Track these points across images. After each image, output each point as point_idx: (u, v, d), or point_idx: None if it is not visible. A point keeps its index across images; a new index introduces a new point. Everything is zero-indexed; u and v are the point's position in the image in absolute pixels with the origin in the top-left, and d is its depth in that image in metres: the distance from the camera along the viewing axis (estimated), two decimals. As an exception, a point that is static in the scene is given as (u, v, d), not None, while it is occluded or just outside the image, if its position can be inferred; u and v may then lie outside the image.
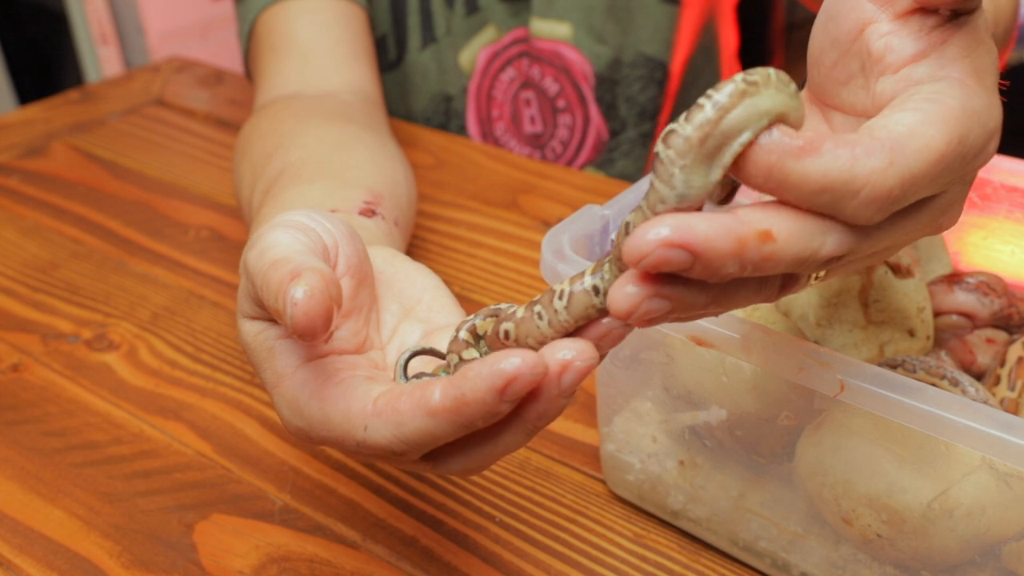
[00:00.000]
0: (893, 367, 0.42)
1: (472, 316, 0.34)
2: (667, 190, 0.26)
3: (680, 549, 0.46)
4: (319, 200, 0.50)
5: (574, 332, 0.31)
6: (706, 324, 0.37)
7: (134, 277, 0.68)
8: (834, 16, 0.31)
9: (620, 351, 0.44)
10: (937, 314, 0.49)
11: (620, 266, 0.29)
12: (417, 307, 0.39)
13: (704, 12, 0.85)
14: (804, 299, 0.45)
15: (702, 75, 0.88)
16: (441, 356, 0.36)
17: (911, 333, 0.46)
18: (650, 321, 0.27)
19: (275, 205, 0.50)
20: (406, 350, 0.36)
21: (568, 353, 0.29)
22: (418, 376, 0.34)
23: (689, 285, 0.26)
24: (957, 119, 0.27)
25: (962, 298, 0.48)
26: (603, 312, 0.30)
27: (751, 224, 0.25)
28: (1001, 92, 0.31)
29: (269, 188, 0.54)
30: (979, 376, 0.47)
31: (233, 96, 0.95)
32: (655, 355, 0.43)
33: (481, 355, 0.33)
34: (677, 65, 0.84)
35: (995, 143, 0.30)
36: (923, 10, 0.29)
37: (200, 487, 0.50)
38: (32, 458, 0.52)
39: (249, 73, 0.78)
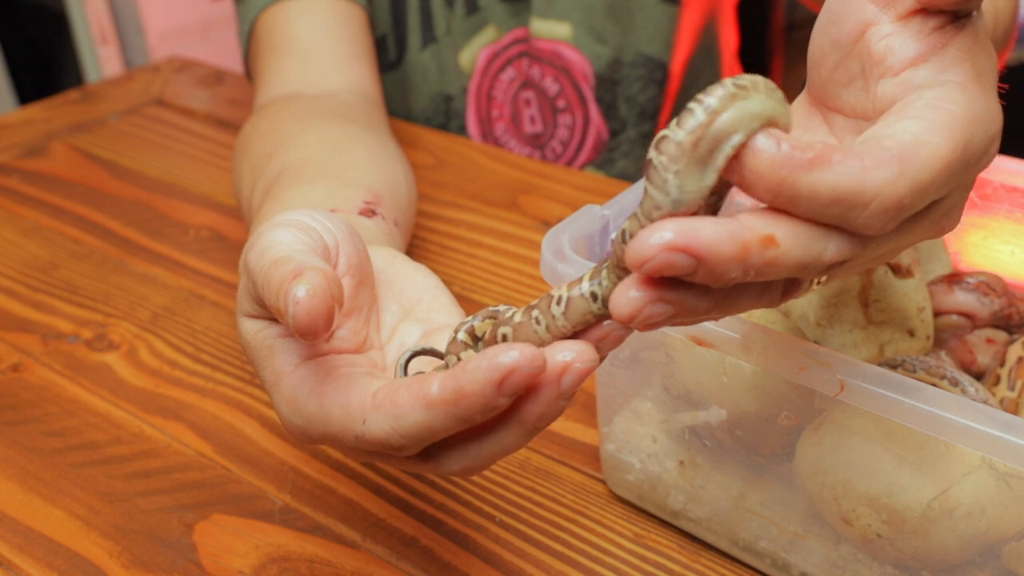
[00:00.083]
0: (893, 367, 0.42)
1: (470, 318, 0.34)
2: (662, 196, 0.26)
3: (680, 549, 0.46)
4: (319, 200, 0.50)
5: (572, 336, 0.31)
6: (706, 324, 0.37)
7: (134, 277, 0.68)
8: (835, 18, 0.31)
9: (620, 351, 0.44)
10: (937, 314, 0.49)
11: (619, 273, 0.29)
12: (417, 307, 0.39)
13: (705, 12, 0.85)
14: (804, 299, 0.46)
15: (702, 75, 0.88)
16: (442, 356, 0.36)
17: (911, 333, 0.46)
18: (652, 325, 0.27)
19: (275, 205, 0.50)
20: (407, 350, 0.36)
21: (568, 355, 0.29)
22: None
23: (692, 290, 0.26)
24: (961, 125, 0.27)
25: (962, 298, 0.48)
26: (601, 318, 0.30)
27: (754, 229, 0.25)
28: (1001, 95, 0.31)
29: (269, 188, 0.54)
30: (979, 376, 0.47)
31: (233, 96, 0.95)
32: (655, 355, 0.43)
33: None
34: (677, 65, 0.84)
35: (996, 147, 0.30)
36: (924, 12, 0.29)
37: (200, 487, 0.50)
38: (32, 458, 0.52)
39: (249, 73, 0.78)
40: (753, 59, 0.95)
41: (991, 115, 0.29)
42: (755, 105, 0.26)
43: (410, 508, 0.48)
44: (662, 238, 0.24)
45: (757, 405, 0.40)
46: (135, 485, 0.50)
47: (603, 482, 0.50)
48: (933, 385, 0.40)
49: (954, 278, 0.49)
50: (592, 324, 0.30)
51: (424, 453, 0.33)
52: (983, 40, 0.30)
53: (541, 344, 0.31)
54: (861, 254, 0.28)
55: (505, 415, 0.31)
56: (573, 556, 0.46)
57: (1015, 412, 0.44)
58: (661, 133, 0.26)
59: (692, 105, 0.25)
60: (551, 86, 0.85)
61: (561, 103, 0.85)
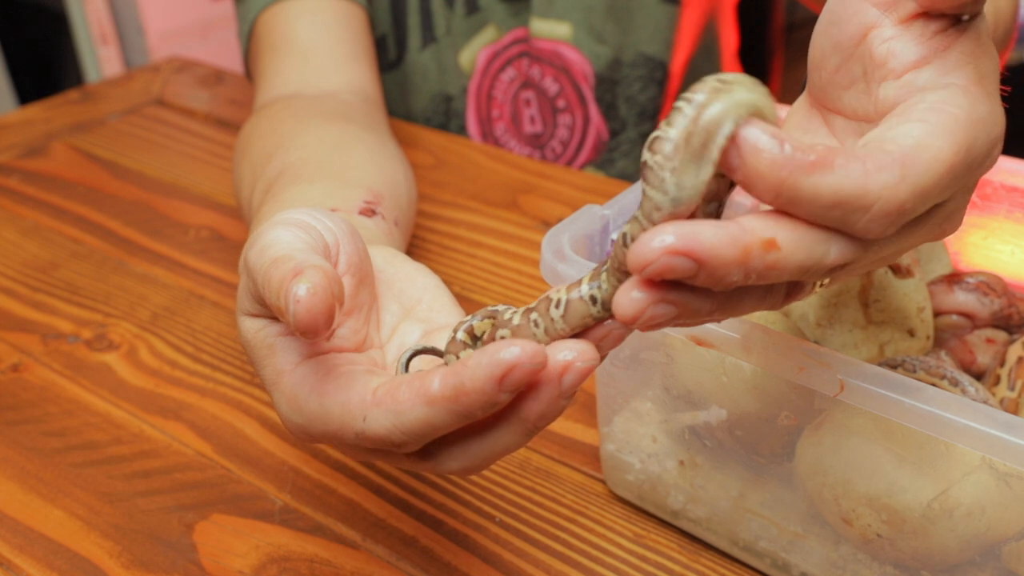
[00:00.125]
0: (893, 367, 0.42)
1: (469, 317, 0.34)
2: (660, 195, 0.26)
3: (680, 549, 0.46)
4: (319, 199, 0.50)
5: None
6: (707, 324, 0.37)
7: (134, 277, 0.68)
8: (836, 20, 0.31)
9: (620, 351, 0.44)
10: (937, 314, 0.49)
11: (619, 276, 0.29)
12: (417, 307, 0.39)
13: (705, 12, 0.85)
14: (804, 299, 0.45)
15: (702, 75, 0.88)
16: (442, 356, 0.36)
17: (911, 333, 0.46)
18: (655, 326, 0.27)
19: (275, 204, 0.50)
20: (408, 349, 0.36)
21: (569, 354, 0.29)
22: None
23: (694, 291, 0.26)
24: (963, 129, 0.27)
25: (962, 298, 0.48)
26: (599, 321, 0.30)
27: (755, 232, 0.25)
28: (1003, 97, 0.31)
29: (269, 187, 0.54)
30: (979, 376, 0.47)
31: (233, 96, 0.95)
32: (655, 355, 0.43)
33: None
34: (677, 65, 0.84)
35: (999, 150, 0.30)
36: (926, 15, 0.29)
37: (200, 487, 0.50)
38: (32, 458, 0.52)
39: (249, 73, 0.78)
40: (753, 59, 0.95)
41: (993, 118, 0.29)
42: (741, 96, 0.26)
43: (410, 508, 0.48)
44: (663, 241, 0.24)
45: (757, 405, 0.40)
46: (135, 485, 0.50)
47: (603, 482, 0.50)
48: (933, 385, 0.40)
49: (954, 278, 0.49)
50: (591, 326, 0.30)
51: (424, 451, 0.33)
52: (986, 43, 0.30)
53: None
54: (863, 257, 0.28)
55: (506, 414, 0.31)
56: (573, 556, 0.46)
57: (1015, 412, 0.44)
58: (653, 134, 0.26)
59: (679, 103, 0.26)
60: (551, 86, 0.85)
61: (561, 103, 0.85)
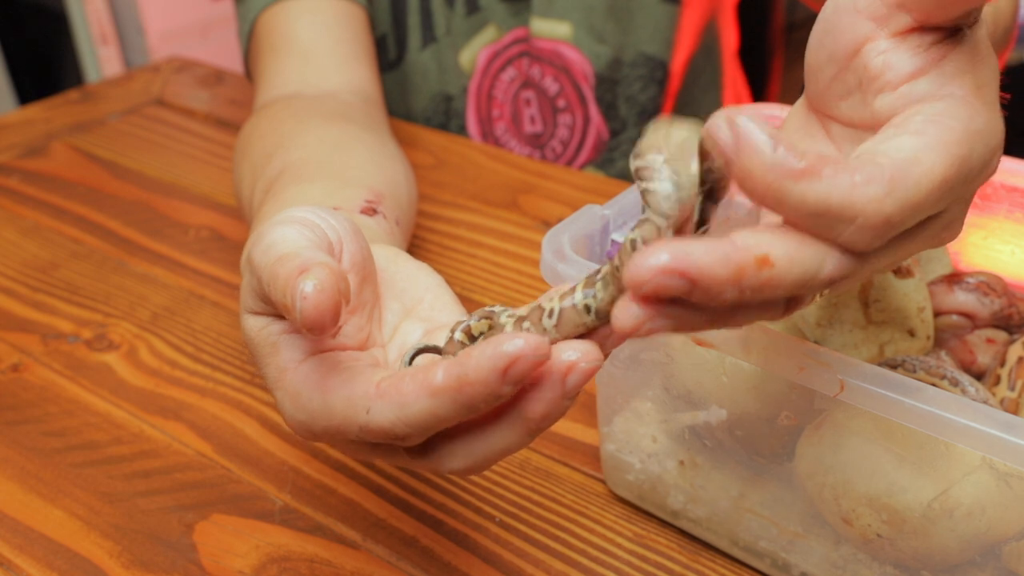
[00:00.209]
0: (893, 367, 0.42)
1: (466, 318, 0.34)
2: (664, 184, 0.26)
3: (680, 549, 0.46)
4: (320, 199, 0.50)
5: None
6: (706, 324, 0.37)
7: (134, 277, 0.68)
8: (831, 32, 0.31)
9: (620, 351, 0.44)
10: (937, 314, 0.49)
11: (619, 286, 0.29)
12: (419, 306, 0.39)
13: (706, 12, 0.85)
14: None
15: (703, 74, 0.88)
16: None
17: (911, 333, 0.46)
18: (654, 335, 0.27)
19: (276, 203, 0.50)
20: (411, 346, 0.36)
21: (573, 354, 0.29)
22: None
23: (692, 306, 0.27)
24: (959, 141, 0.27)
25: (962, 298, 0.48)
26: (593, 329, 0.30)
27: (749, 250, 0.26)
28: (1003, 96, 0.31)
29: (269, 187, 0.54)
30: (979, 376, 0.47)
31: (233, 96, 0.95)
32: (655, 355, 0.43)
33: None
34: (678, 65, 0.84)
35: (998, 159, 0.30)
36: (922, 28, 0.29)
37: (200, 487, 0.50)
38: (32, 458, 0.52)
39: (249, 73, 0.78)
40: (753, 59, 0.95)
41: (991, 129, 0.29)
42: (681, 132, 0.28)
43: (410, 508, 0.48)
44: (658, 260, 0.25)
45: (757, 405, 0.40)
46: (135, 485, 0.50)
47: (603, 482, 0.50)
48: (933, 385, 0.40)
49: (954, 278, 0.49)
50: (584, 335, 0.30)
51: (426, 450, 0.33)
52: (983, 51, 0.30)
53: None
54: (859, 269, 0.28)
55: (509, 414, 0.31)
56: (573, 556, 0.46)
57: (1015, 412, 0.43)
58: (632, 164, 0.27)
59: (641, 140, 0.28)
60: (551, 86, 0.85)
61: (561, 103, 0.85)
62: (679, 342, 0.41)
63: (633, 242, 0.28)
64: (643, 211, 0.28)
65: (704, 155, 0.27)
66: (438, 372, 0.29)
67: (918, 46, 0.29)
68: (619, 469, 0.48)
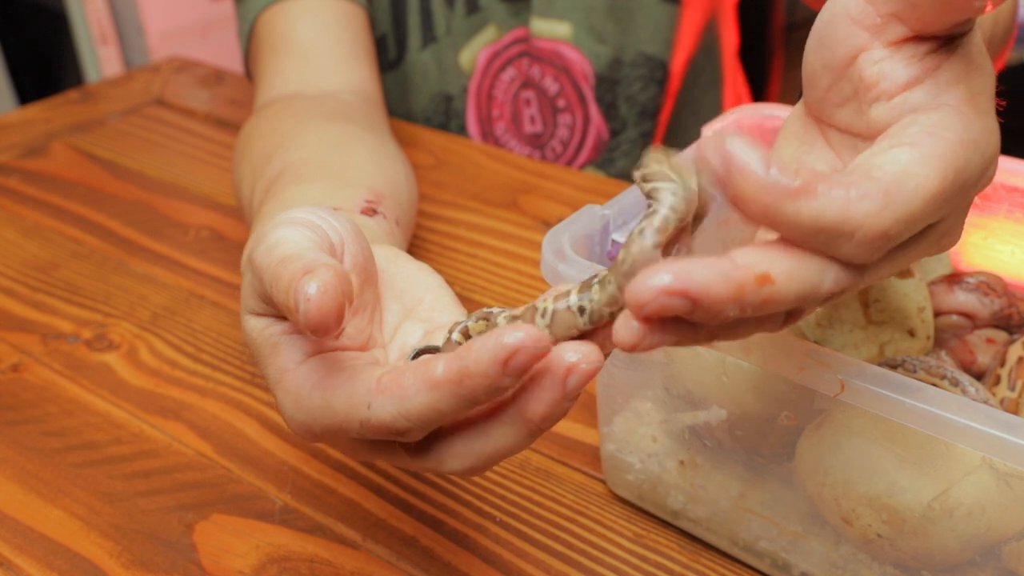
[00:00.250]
0: (893, 367, 0.42)
1: (464, 319, 0.34)
2: (671, 184, 0.27)
3: (680, 549, 0.46)
4: (320, 199, 0.50)
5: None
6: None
7: (134, 277, 0.68)
8: (826, 42, 0.31)
9: (620, 351, 0.44)
10: (937, 314, 0.49)
11: (620, 282, 0.29)
12: (419, 307, 0.39)
13: (706, 11, 0.85)
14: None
15: (703, 74, 0.88)
16: None
17: (911, 333, 0.46)
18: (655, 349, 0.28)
19: (276, 203, 0.50)
20: (413, 346, 0.36)
21: (574, 356, 0.29)
22: None
23: (692, 322, 0.27)
24: (954, 152, 0.27)
25: (962, 298, 0.48)
26: (584, 333, 0.30)
27: (749, 268, 0.26)
28: (999, 95, 0.31)
29: (270, 187, 0.54)
30: (979, 376, 0.47)
31: (233, 96, 0.95)
32: (655, 355, 0.43)
33: None
34: (678, 64, 0.84)
35: (994, 167, 0.30)
36: (917, 37, 0.29)
37: (200, 487, 0.50)
38: (32, 458, 0.52)
39: (249, 73, 0.78)
40: (753, 59, 0.95)
41: (986, 137, 0.29)
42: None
43: (410, 508, 0.48)
44: (660, 280, 0.25)
45: (757, 405, 0.40)
46: (135, 485, 0.50)
47: (603, 482, 0.50)
48: (933, 385, 0.40)
49: (954, 278, 0.49)
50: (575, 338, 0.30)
51: (427, 450, 0.33)
52: (978, 58, 0.30)
53: None
54: (859, 281, 0.28)
55: (509, 414, 0.31)
56: (573, 556, 0.46)
57: (1015, 412, 0.44)
58: (636, 175, 0.28)
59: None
60: (551, 86, 0.85)
61: (561, 103, 0.85)
62: (679, 342, 0.41)
63: (642, 231, 0.28)
64: (648, 207, 0.28)
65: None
66: (438, 365, 0.29)
67: (913, 56, 0.29)
68: (619, 469, 0.48)
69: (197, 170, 0.82)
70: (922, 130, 0.28)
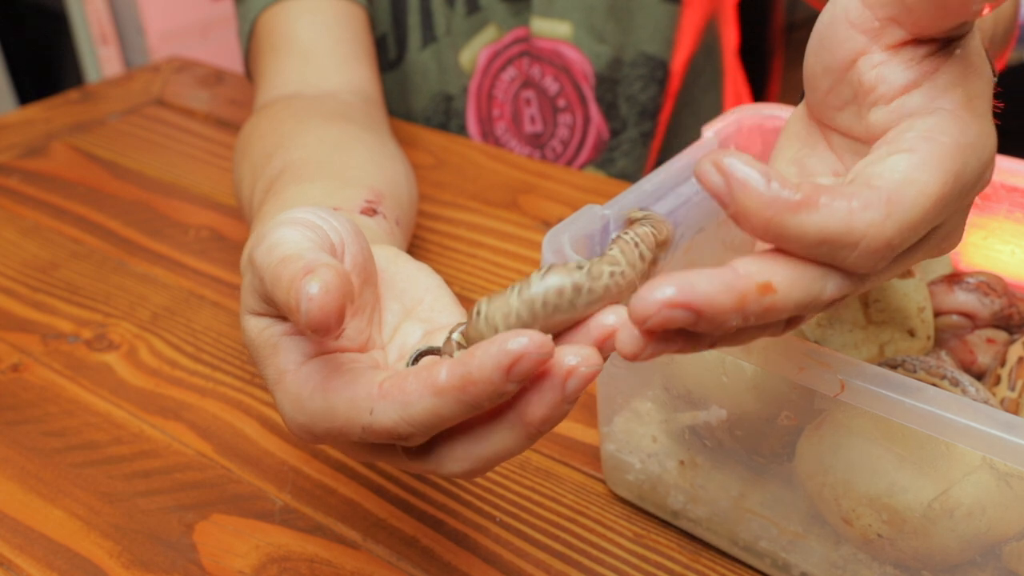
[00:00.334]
0: (893, 367, 0.42)
1: (464, 320, 0.34)
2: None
3: (680, 549, 0.46)
4: (320, 199, 0.50)
5: (572, 336, 0.31)
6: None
7: (134, 277, 0.68)
8: (826, 44, 0.31)
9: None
10: (937, 314, 0.49)
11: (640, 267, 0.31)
12: (419, 307, 0.39)
13: (707, 11, 0.85)
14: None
15: (703, 74, 0.88)
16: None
17: (911, 333, 0.46)
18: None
19: (276, 203, 0.50)
20: (413, 348, 0.36)
21: (574, 359, 0.29)
22: None
23: (694, 332, 0.27)
24: (952, 156, 0.27)
25: (962, 298, 0.48)
26: (570, 318, 0.31)
27: (751, 277, 0.26)
28: (997, 95, 0.31)
29: (270, 187, 0.54)
30: (979, 376, 0.47)
31: (233, 96, 0.95)
32: (655, 355, 0.43)
33: None
34: (678, 64, 0.84)
35: (991, 170, 0.30)
36: (915, 40, 0.29)
37: (200, 487, 0.50)
38: (32, 458, 0.52)
39: (249, 73, 0.78)
40: (753, 59, 0.95)
41: (983, 141, 0.29)
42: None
43: (411, 508, 0.48)
44: (664, 294, 0.25)
45: (757, 405, 0.40)
46: (135, 485, 0.50)
47: (603, 482, 0.50)
48: (933, 385, 0.40)
49: (954, 278, 0.49)
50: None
51: (427, 452, 0.33)
52: (975, 61, 0.30)
53: None
54: (861, 286, 0.28)
55: (509, 417, 0.31)
56: (573, 556, 0.46)
57: (1015, 412, 0.43)
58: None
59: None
60: (551, 85, 0.85)
61: (561, 102, 0.85)
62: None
63: (636, 242, 0.28)
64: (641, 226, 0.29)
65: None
66: (442, 371, 0.29)
67: (911, 59, 0.29)
68: (619, 469, 0.48)
69: (197, 170, 0.82)
70: (919, 135, 0.28)
